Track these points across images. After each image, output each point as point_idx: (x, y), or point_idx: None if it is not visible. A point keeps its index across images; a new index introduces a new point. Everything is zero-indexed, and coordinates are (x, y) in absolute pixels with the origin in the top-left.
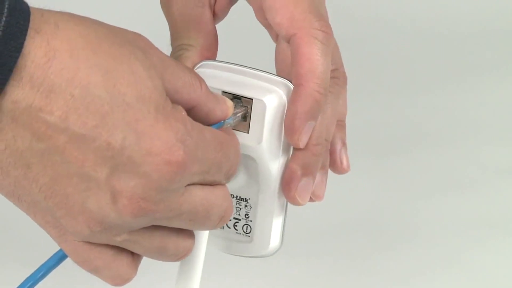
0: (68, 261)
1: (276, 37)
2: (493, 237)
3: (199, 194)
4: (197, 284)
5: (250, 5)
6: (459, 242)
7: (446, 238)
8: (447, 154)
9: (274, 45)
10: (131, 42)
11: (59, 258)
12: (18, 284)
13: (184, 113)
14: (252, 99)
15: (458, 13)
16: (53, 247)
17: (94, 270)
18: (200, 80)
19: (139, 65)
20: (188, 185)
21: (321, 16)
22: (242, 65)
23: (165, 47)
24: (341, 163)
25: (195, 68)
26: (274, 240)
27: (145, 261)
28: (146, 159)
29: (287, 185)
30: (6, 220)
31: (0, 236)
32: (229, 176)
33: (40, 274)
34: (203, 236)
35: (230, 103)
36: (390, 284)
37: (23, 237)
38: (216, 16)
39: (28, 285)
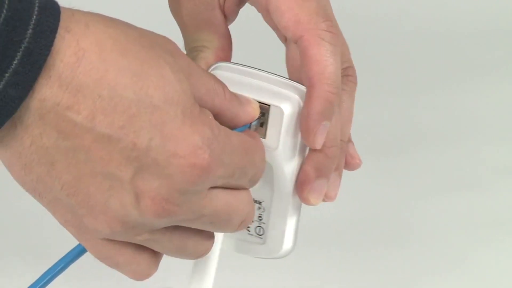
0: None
1: (284, 39)
2: (495, 237)
3: (222, 198)
4: (211, 283)
5: (256, 9)
6: (462, 241)
7: (449, 237)
8: (448, 154)
9: (283, 46)
10: (160, 45)
11: (78, 252)
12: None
13: (211, 117)
14: (269, 105)
15: (459, 13)
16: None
17: (115, 265)
18: (223, 86)
19: (168, 69)
20: (212, 188)
21: (327, 17)
22: (257, 68)
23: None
24: (352, 158)
25: (210, 69)
26: (287, 243)
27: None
28: (171, 160)
29: (301, 186)
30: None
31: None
32: (254, 181)
33: (59, 267)
34: (219, 236)
35: (255, 104)
36: (392, 283)
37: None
38: (226, 18)
39: (47, 278)
